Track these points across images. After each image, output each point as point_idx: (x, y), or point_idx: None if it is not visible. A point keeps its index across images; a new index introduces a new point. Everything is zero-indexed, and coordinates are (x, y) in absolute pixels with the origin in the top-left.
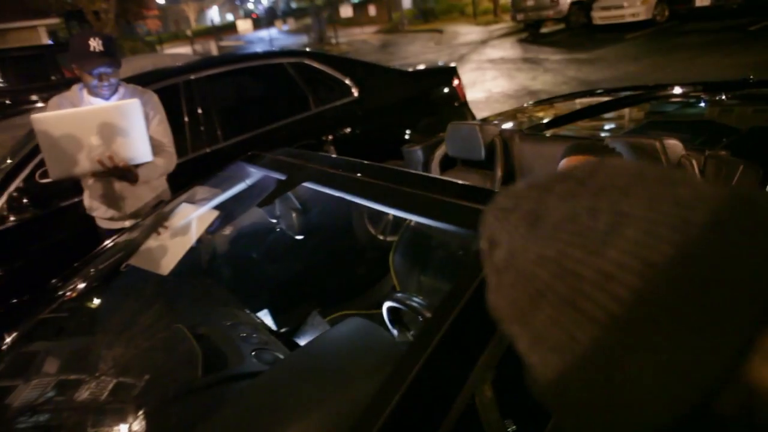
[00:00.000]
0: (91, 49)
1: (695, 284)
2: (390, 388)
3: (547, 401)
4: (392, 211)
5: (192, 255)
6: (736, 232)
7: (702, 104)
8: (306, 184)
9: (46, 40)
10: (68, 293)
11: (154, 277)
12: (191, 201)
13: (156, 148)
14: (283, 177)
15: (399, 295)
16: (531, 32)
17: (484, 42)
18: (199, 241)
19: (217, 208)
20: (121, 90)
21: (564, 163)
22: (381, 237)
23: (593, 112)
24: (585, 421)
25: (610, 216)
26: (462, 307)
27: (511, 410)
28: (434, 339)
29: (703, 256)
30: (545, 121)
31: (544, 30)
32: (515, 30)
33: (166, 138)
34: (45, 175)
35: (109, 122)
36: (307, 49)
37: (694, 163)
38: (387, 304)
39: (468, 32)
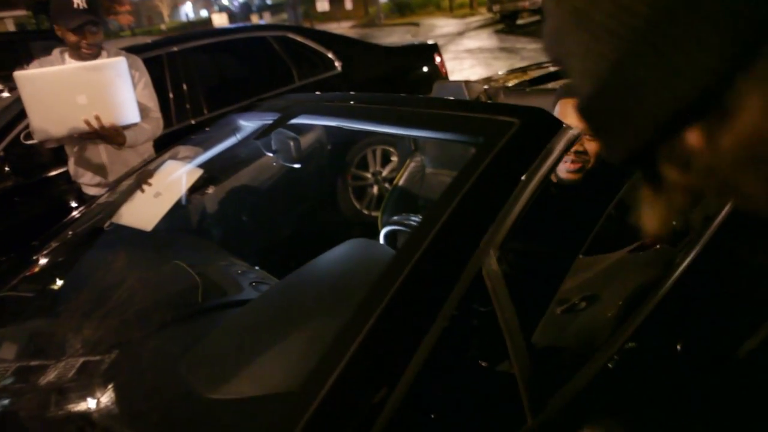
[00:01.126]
0: (75, 5)
1: None
2: (404, 256)
3: (603, 99)
4: (391, 129)
5: (180, 213)
6: None
7: None
8: (302, 119)
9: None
10: (51, 252)
11: (143, 233)
12: (177, 157)
13: (142, 112)
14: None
15: (396, 218)
16: (507, 23)
17: (460, 34)
18: (188, 199)
19: (205, 162)
20: (104, 54)
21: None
22: (366, 212)
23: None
24: (633, 102)
25: None
26: (467, 190)
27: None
28: (442, 217)
29: None
30: (528, 79)
31: (520, 21)
32: (491, 22)
33: (152, 102)
34: (29, 137)
35: (96, 81)
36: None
37: None
38: (385, 230)
39: (444, 25)
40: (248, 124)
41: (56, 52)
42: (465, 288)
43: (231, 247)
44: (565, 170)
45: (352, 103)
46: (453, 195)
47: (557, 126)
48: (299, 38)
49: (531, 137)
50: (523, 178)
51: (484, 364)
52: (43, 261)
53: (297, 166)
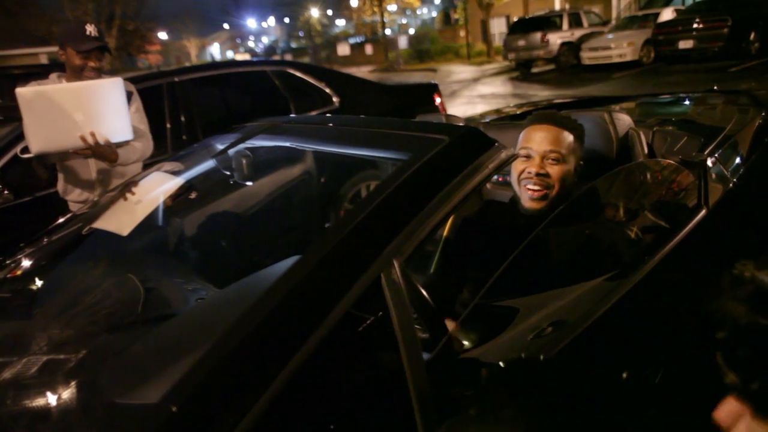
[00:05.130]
0: (88, 33)
1: None
2: (303, 264)
3: None
4: (334, 149)
5: (159, 235)
6: None
7: (687, 102)
8: (259, 140)
9: None
10: (25, 257)
11: (117, 249)
12: (158, 170)
13: (134, 133)
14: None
15: None
16: (522, 71)
17: (476, 80)
18: (168, 222)
19: (186, 180)
20: (103, 78)
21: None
22: None
23: (567, 107)
24: None
25: None
26: (380, 201)
27: None
28: (348, 227)
29: None
30: (517, 113)
31: (534, 69)
32: (507, 69)
33: (143, 125)
34: (27, 150)
35: (92, 99)
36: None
37: (642, 135)
38: None
39: (461, 71)
40: (222, 147)
41: (53, 76)
42: (357, 296)
43: (209, 273)
44: (528, 198)
45: (306, 124)
46: (365, 205)
47: (488, 144)
48: (298, 73)
49: (457, 154)
50: (442, 192)
51: (374, 378)
52: (16, 264)
53: (250, 183)
